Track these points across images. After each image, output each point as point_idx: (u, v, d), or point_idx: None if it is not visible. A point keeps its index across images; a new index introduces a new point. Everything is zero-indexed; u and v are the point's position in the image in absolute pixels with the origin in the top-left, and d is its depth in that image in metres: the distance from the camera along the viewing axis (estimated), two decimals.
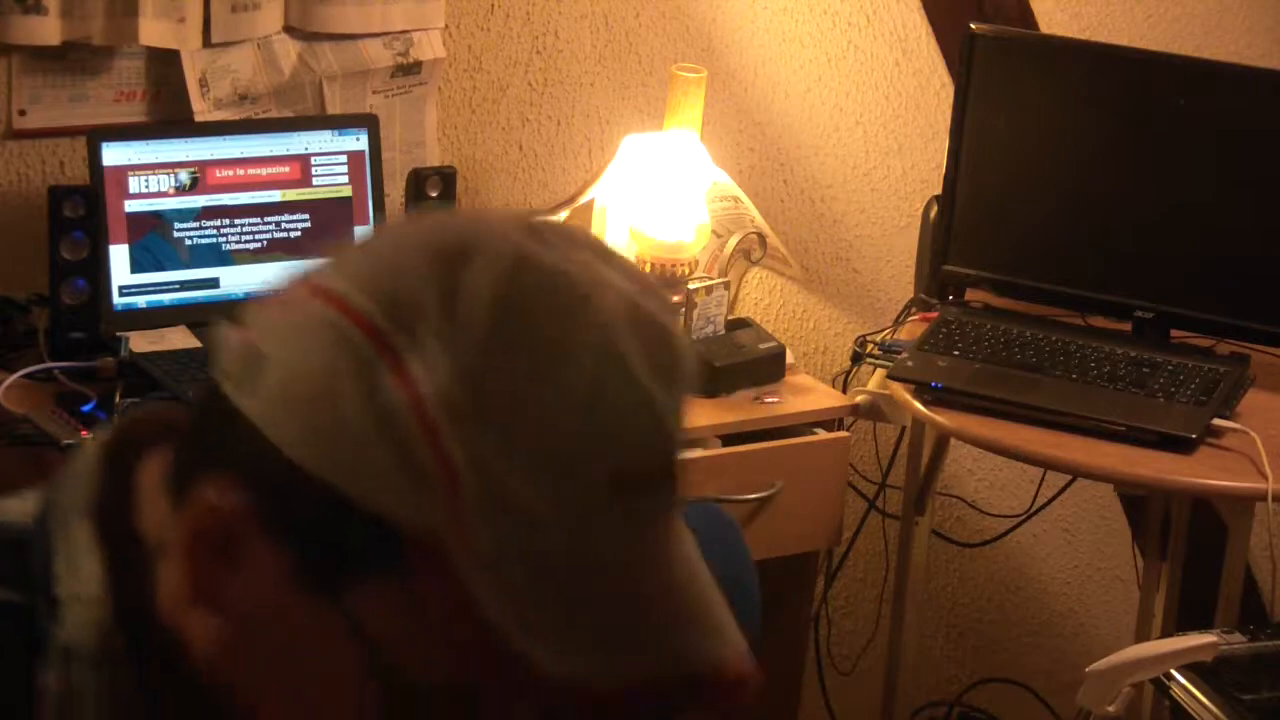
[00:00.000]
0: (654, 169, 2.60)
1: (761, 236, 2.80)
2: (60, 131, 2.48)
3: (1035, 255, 2.66)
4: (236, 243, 2.48)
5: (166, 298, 2.45)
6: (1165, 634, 2.66)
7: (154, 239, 2.44)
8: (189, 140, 2.45)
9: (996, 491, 3.17)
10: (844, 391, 2.71)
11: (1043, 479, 2.98)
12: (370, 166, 2.54)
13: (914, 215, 2.87)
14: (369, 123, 2.55)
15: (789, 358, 2.61)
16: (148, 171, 2.43)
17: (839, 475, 2.58)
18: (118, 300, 2.41)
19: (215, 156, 2.45)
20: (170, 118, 2.50)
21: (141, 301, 2.43)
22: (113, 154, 2.41)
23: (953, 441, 2.72)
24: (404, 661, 0.78)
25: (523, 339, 0.77)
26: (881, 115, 3.00)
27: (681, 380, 0.80)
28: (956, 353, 2.52)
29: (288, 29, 2.53)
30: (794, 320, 3.00)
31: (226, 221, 2.48)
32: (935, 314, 2.65)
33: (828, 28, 2.93)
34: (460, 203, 2.67)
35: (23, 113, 2.46)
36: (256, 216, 2.49)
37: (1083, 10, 3.06)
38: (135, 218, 2.43)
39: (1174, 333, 2.61)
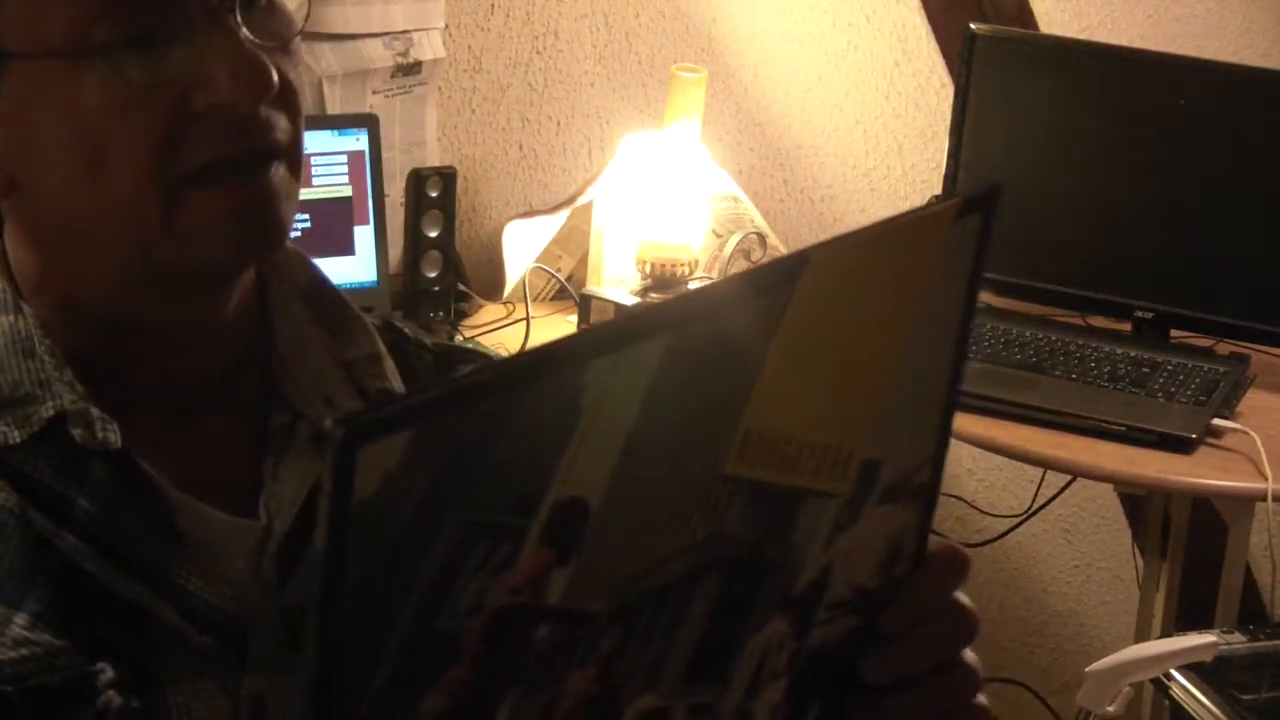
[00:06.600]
0: (654, 169, 2.60)
1: (761, 236, 2.80)
2: None
3: (1035, 255, 2.66)
4: None
5: None
6: (1165, 634, 2.65)
7: None
8: None
9: (996, 491, 3.16)
10: None
11: (1043, 479, 2.97)
12: (370, 167, 2.53)
13: None
14: (369, 123, 2.54)
15: None
16: None
17: None
18: None
19: None
20: None
21: None
22: None
23: (952, 441, 2.71)
24: None
25: None
26: (881, 115, 3.00)
27: None
28: None
29: None
30: None
31: None
32: None
33: (827, 28, 2.93)
34: (460, 203, 2.67)
35: None
36: None
37: (1083, 10, 3.06)
38: None
39: (1174, 333, 2.61)
